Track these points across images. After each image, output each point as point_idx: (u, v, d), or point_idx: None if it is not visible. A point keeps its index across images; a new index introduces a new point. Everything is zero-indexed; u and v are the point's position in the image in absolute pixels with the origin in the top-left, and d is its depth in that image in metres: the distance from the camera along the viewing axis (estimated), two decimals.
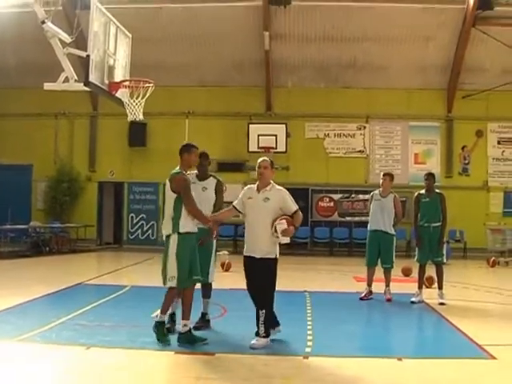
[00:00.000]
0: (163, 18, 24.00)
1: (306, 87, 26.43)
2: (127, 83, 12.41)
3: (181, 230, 8.58)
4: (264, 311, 8.65)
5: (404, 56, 25.12)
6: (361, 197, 26.17)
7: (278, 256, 8.83)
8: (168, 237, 8.67)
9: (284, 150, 25.42)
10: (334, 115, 26.40)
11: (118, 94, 12.54)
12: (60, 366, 7.47)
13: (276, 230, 8.48)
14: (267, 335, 8.68)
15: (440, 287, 12.82)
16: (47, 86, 12.48)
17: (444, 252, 13.10)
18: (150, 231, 26.96)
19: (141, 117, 12.75)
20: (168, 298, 8.82)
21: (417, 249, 13.15)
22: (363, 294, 13.32)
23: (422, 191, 13.21)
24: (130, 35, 13.16)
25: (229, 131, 25.71)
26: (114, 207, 28.30)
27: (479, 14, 23.60)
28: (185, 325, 8.60)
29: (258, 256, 8.68)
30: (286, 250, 23.93)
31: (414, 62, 25.44)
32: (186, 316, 8.64)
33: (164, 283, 8.70)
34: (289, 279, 16.47)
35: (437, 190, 13.22)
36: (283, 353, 8.33)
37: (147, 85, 12.39)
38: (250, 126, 25.68)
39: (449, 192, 14.05)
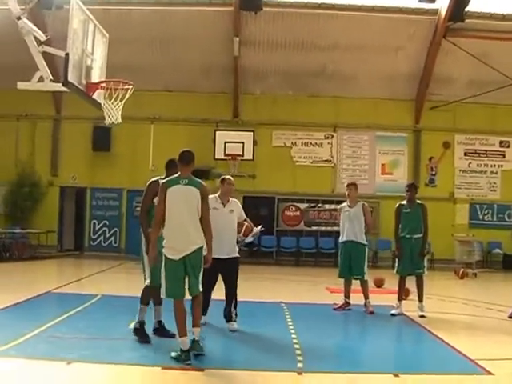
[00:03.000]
0: (132, 20, 23.47)
1: (274, 95, 26.14)
2: (105, 84, 11.95)
3: None
4: (234, 301, 10.46)
5: (373, 65, 24.99)
6: (327, 206, 26.07)
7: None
8: (201, 248, 8.40)
9: (251, 157, 25.14)
10: (302, 124, 26.16)
11: (95, 96, 12.09)
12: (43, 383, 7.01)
13: (246, 234, 10.72)
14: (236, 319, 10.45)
15: (420, 299, 12.60)
16: (20, 85, 11.95)
17: (425, 264, 12.88)
18: (112, 238, 26.40)
19: (119, 120, 12.33)
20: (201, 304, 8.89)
21: (397, 260, 12.94)
22: (338, 305, 13.16)
23: (404, 202, 13.06)
24: (107, 35, 12.73)
25: (195, 138, 25.11)
26: (75, 213, 27.67)
27: (450, 26, 23.59)
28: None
29: (226, 256, 10.29)
30: (251, 258, 23.97)
31: (383, 72, 25.33)
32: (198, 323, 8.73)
33: (199, 292, 8.51)
34: (261, 289, 16.20)
35: (418, 201, 13.04)
36: (276, 368, 7.98)
37: (126, 86, 11.97)
38: (217, 132, 25.34)
39: None
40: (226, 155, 24.87)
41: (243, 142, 25.02)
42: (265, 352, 8.90)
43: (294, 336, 9.91)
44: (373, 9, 23.71)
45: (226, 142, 24.99)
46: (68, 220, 27.47)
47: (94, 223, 26.60)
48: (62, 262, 23.99)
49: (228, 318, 10.42)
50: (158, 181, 9.11)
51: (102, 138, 25.88)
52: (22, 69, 24.43)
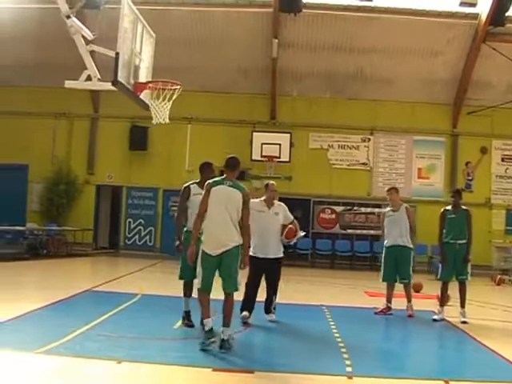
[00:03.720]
0: (171, 20, 23.53)
1: (311, 97, 26.17)
2: (152, 84, 11.98)
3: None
4: (275, 296, 11.23)
5: (412, 69, 24.95)
6: (363, 210, 25.97)
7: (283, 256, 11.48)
8: (238, 247, 8.74)
9: (288, 159, 25.15)
10: (339, 126, 26.16)
11: (142, 96, 12.12)
12: (97, 382, 7.01)
13: (291, 237, 11.25)
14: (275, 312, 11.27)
15: (462, 305, 12.43)
16: (68, 83, 12.00)
17: (469, 270, 12.74)
18: (147, 237, 26.49)
19: (167, 120, 12.37)
20: (233, 305, 8.97)
21: (440, 265, 12.83)
22: (379, 309, 13.08)
23: (449, 207, 12.99)
24: (154, 35, 12.75)
25: (231, 138, 25.27)
26: (110, 211, 27.81)
27: (490, 30, 23.40)
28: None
29: (272, 256, 11.07)
30: (286, 260, 23.82)
31: (421, 76, 25.25)
32: (230, 322, 8.80)
33: (236, 290, 8.86)
34: (299, 291, 16.17)
35: (463, 207, 12.97)
36: (325, 372, 7.88)
37: (174, 87, 12.00)
38: (254, 133, 25.40)
39: None
40: (262, 156, 24.91)
41: (280, 144, 25.04)
42: (312, 355, 8.84)
43: (339, 340, 9.84)
44: (413, 12, 23.61)
45: (262, 144, 25.01)
46: (103, 218, 27.64)
47: (130, 222, 26.72)
48: (99, 260, 24.15)
49: (267, 311, 11.24)
50: (189, 186, 10.09)
51: (138, 137, 26.08)
52: (61, 67, 24.80)
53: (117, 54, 10.58)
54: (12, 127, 26.07)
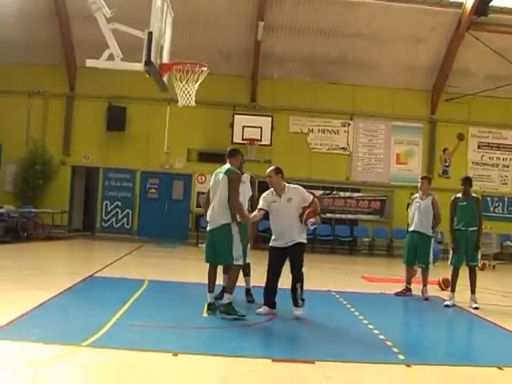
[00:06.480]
0: None
1: (292, 80, 26.07)
2: (179, 66, 11.75)
3: (238, 220, 10.05)
4: (299, 284, 10.27)
5: (393, 55, 25.08)
6: (342, 194, 26.04)
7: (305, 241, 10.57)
8: (228, 224, 9.87)
9: (269, 142, 25.11)
10: (319, 110, 26.14)
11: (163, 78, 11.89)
12: (171, 377, 6.84)
13: (307, 223, 10.24)
14: (303, 305, 10.32)
15: (473, 291, 12.67)
16: (89, 62, 11.68)
17: (479, 256, 12.98)
18: (124, 219, 26.11)
19: (193, 103, 12.21)
20: (235, 276, 10.11)
21: (451, 252, 13.07)
22: (399, 291, 13.70)
23: (459, 195, 13.28)
24: (173, 14, 12.50)
25: (211, 120, 25.14)
26: (84, 193, 27.35)
27: (474, 20, 23.62)
28: (228, 298, 9.87)
29: (289, 245, 10.29)
30: (265, 244, 23.77)
31: (402, 62, 25.43)
32: (231, 290, 9.95)
33: (229, 262, 9.96)
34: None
35: (473, 194, 13.20)
36: (381, 361, 7.80)
37: (201, 69, 11.81)
38: (236, 116, 25.22)
39: None
40: (244, 139, 24.72)
41: (261, 127, 24.93)
42: (359, 344, 8.74)
43: (370, 326, 9.78)
44: None
45: (244, 127, 24.84)
46: (77, 200, 27.14)
47: (107, 204, 26.28)
48: (80, 243, 23.77)
49: (293, 303, 10.29)
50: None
51: (116, 118, 25.66)
52: (35, 44, 24.19)
53: (150, 33, 10.33)
54: None
